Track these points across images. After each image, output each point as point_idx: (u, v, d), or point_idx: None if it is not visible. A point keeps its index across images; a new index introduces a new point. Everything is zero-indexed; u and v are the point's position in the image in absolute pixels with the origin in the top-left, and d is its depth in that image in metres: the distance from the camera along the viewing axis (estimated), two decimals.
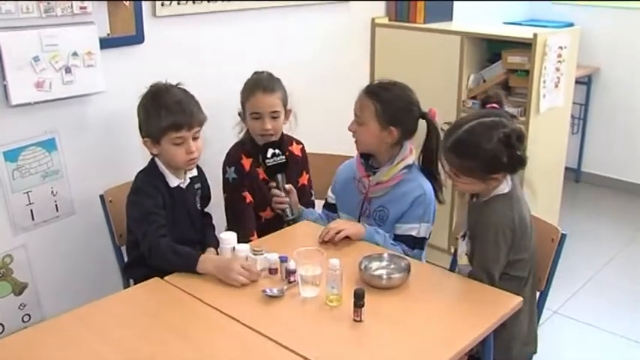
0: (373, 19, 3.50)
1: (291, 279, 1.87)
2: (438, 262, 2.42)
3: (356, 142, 2.29)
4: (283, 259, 1.92)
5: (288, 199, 2.36)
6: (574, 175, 4.77)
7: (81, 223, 2.45)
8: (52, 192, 2.35)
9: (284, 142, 2.45)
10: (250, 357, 1.59)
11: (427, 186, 2.24)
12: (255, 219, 2.46)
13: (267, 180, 2.41)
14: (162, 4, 2.50)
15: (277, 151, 2.35)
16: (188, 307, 1.79)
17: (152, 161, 2.18)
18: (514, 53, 3.14)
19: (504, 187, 1.95)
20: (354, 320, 1.69)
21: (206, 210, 2.39)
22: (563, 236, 2.03)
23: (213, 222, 2.42)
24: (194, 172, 2.25)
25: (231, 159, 2.46)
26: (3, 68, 2.08)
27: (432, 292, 1.86)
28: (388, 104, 2.20)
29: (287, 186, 2.38)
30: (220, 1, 2.69)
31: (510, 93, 3.16)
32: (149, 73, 2.26)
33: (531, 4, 4.77)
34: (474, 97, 3.26)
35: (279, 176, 2.37)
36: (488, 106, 2.03)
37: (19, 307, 2.34)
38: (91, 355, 1.58)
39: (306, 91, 2.84)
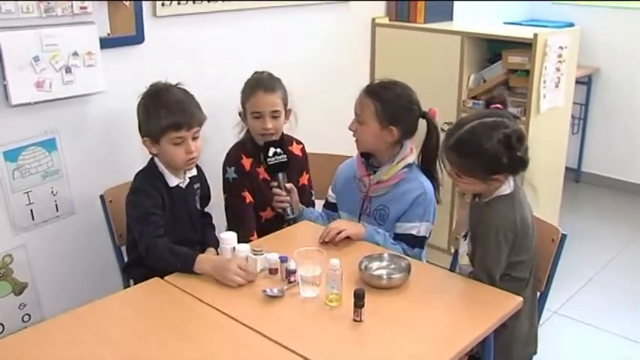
0: (373, 19, 3.50)
1: (292, 279, 1.87)
2: (438, 262, 2.41)
3: (356, 141, 2.30)
4: (283, 259, 1.92)
5: (289, 198, 2.37)
6: (574, 175, 4.77)
7: (81, 223, 2.45)
8: (52, 192, 2.35)
9: (284, 142, 2.45)
10: (250, 357, 1.59)
11: (427, 185, 2.24)
12: (255, 219, 2.45)
13: (269, 179, 2.41)
14: (163, 4, 2.50)
15: (279, 149, 2.35)
16: (188, 307, 1.79)
17: (151, 161, 2.18)
18: (514, 53, 3.13)
19: (506, 188, 1.95)
20: (354, 320, 1.69)
21: (206, 210, 2.39)
22: (564, 236, 2.03)
23: (213, 222, 2.41)
24: (193, 172, 2.25)
25: (232, 159, 2.46)
26: (3, 68, 2.08)
27: (432, 292, 1.86)
28: (388, 103, 2.20)
29: (288, 185, 2.38)
30: (220, 1, 2.69)
31: (511, 93, 3.16)
32: (149, 73, 2.25)
33: (531, 4, 4.77)
34: (474, 97, 3.26)
35: (281, 175, 2.37)
36: (492, 106, 2.04)
37: (19, 307, 2.34)
38: (90, 355, 1.58)
39: (306, 91, 2.83)
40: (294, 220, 2.38)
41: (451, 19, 3.57)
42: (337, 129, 2.49)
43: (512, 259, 1.94)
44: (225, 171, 2.45)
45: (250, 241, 2.21)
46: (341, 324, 1.70)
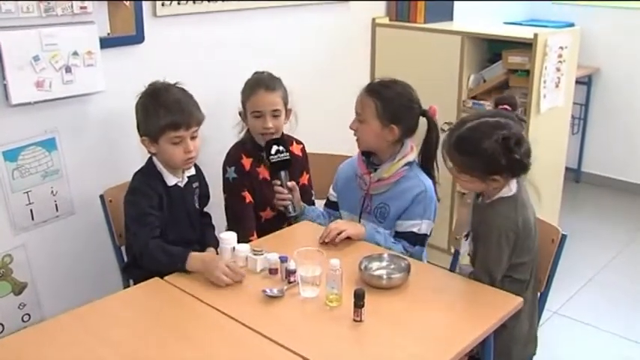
0: (374, 19, 3.50)
1: (291, 279, 1.87)
2: (438, 262, 2.41)
3: (357, 140, 2.30)
4: (283, 259, 1.92)
5: (290, 196, 2.37)
6: (574, 176, 4.77)
7: (81, 223, 2.45)
8: (52, 192, 2.35)
9: (285, 141, 2.45)
10: (250, 357, 1.59)
11: (428, 183, 2.25)
12: (255, 219, 2.45)
13: (269, 179, 2.41)
14: (163, 4, 2.49)
15: (281, 147, 2.35)
16: (188, 307, 1.79)
17: (149, 160, 2.18)
18: (514, 53, 3.13)
19: (509, 189, 1.95)
20: (354, 320, 1.69)
21: (205, 210, 2.39)
22: (564, 237, 2.02)
23: (213, 222, 2.41)
24: (192, 171, 2.25)
25: (232, 159, 2.46)
26: (3, 68, 2.08)
27: (432, 292, 1.86)
28: (389, 102, 2.20)
29: (290, 183, 2.38)
30: (220, 1, 2.69)
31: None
32: (149, 72, 2.25)
33: (531, 4, 4.77)
34: (474, 97, 3.26)
35: (283, 173, 2.37)
36: (500, 107, 2.04)
37: (18, 307, 2.34)
38: (90, 355, 1.58)
39: (307, 91, 2.83)
40: (296, 218, 2.38)
41: (451, 19, 3.57)
42: (337, 129, 2.49)
43: (514, 261, 1.94)
44: (225, 171, 2.45)
45: (250, 241, 2.21)
46: (341, 324, 1.70)
